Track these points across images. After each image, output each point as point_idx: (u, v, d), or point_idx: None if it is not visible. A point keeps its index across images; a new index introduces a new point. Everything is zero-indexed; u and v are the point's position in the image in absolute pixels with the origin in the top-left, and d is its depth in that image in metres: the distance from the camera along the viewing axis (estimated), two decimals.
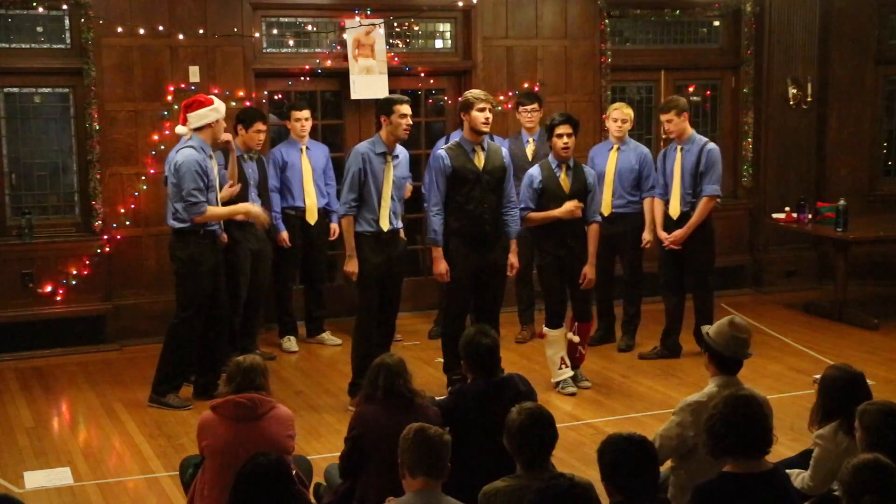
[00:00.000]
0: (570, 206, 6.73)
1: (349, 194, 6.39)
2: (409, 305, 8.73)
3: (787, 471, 4.16)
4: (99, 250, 7.96)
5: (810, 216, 9.07)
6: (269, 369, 4.53)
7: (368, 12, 8.47)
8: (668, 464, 4.42)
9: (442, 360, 6.87)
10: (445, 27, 9.04)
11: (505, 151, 6.79)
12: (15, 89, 7.95)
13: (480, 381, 4.62)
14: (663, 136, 7.64)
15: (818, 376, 4.62)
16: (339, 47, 8.53)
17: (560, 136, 6.77)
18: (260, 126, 7.40)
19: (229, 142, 7.11)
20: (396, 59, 8.65)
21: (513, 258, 6.74)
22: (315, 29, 8.58)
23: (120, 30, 7.88)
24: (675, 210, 7.50)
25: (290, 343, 8.05)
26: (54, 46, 7.94)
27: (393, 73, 8.57)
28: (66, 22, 7.92)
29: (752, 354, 4.53)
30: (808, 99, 9.82)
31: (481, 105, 6.48)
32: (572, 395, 6.81)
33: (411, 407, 4.35)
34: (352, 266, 6.42)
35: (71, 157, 8.10)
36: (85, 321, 7.99)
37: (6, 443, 6.09)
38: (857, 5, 9.91)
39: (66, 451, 5.96)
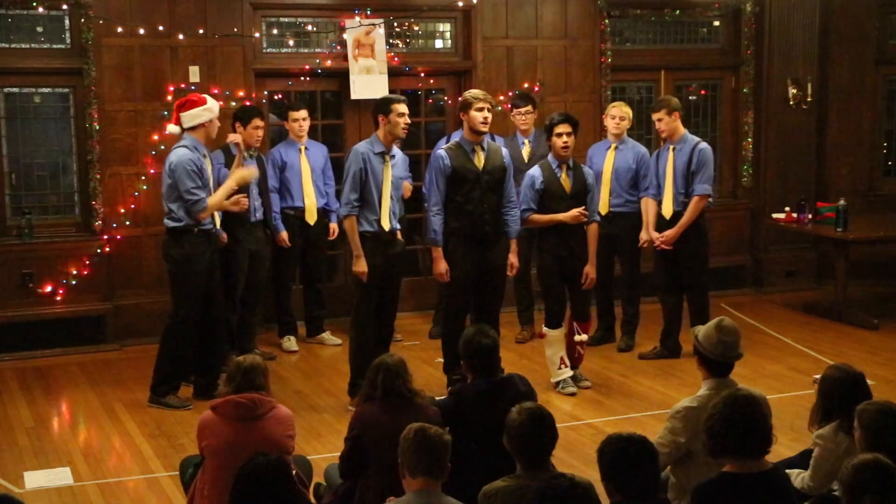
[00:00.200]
0: (575, 212, 6.74)
1: (351, 194, 6.38)
2: (409, 305, 8.73)
3: (787, 471, 4.16)
4: (99, 250, 7.96)
5: (810, 216, 9.07)
6: (269, 369, 4.53)
7: (368, 12, 8.47)
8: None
9: (442, 360, 6.87)
10: (445, 27, 9.04)
11: (505, 151, 6.79)
12: (15, 89, 7.95)
13: (480, 381, 4.62)
14: (663, 137, 7.64)
15: (818, 376, 4.61)
16: (339, 47, 8.53)
17: (560, 135, 6.77)
18: (258, 122, 7.40)
19: (238, 143, 7.10)
20: (396, 59, 8.65)
21: (513, 258, 6.74)
22: (315, 29, 8.58)
23: (120, 30, 7.88)
24: (667, 210, 7.51)
25: (290, 343, 8.05)
26: (54, 46, 7.94)
27: (393, 73, 8.57)
28: (66, 22, 7.92)
29: (743, 355, 4.52)
30: (808, 99, 9.81)
31: (480, 105, 6.48)
32: (572, 395, 6.81)
33: (411, 407, 4.35)
34: (360, 266, 6.39)
35: (71, 157, 8.10)
36: (85, 321, 7.99)
37: (6, 443, 6.09)
38: (857, 5, 9.92)
39: (66, 451, 5.96)
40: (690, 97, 9.85)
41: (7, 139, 7.93)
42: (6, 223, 7.92)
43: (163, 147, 7.82)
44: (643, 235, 7.65)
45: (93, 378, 7.36)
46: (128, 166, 8.02)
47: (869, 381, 4.55)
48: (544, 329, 6.95)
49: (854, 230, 8.61)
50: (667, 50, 9.75)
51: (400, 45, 8.80)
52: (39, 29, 7.92)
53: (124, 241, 8.02)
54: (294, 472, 4.02)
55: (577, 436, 6.04)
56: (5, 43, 7.82)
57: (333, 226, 8.03)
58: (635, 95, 9.67)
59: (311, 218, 7.98)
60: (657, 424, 4.83)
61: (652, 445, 3.58)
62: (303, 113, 7.94)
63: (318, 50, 8.57)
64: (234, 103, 8.03)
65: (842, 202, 8.60)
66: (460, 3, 8.73)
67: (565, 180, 6.84)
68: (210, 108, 6.63)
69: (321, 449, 5.84)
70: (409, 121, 6.50)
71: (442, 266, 6.56)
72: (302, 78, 8.51)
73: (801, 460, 4.50)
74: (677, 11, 9.59)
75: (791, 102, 9.81)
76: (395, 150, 6.63)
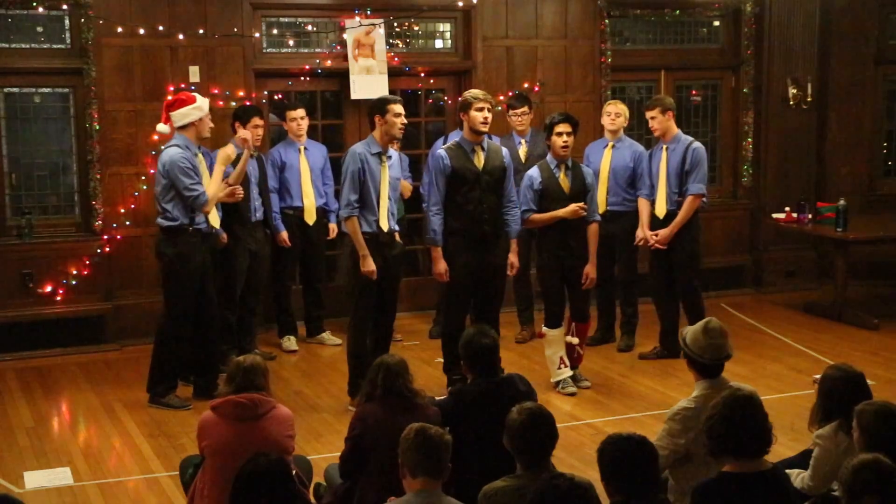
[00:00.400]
0: (574, 206, 6.74)
1: (351, 195, 6.37)
2: (409, 305, 8.73)
3: (787, 471, 4.16)
4: (99, 250, 7.96)
5: (810, 216, 9.07)
6: (269, 369, 4.53)
7: (368, 12, 8.47)
8: None
9: (442, 360, 6.87)
10: (445, 27, 9.04)
11: (505, 151, 6.79)
12: (15, 89, 7.95)
13: (480, 381, 4.62)
14: (656, 136, 7.64)
15: (818, 376, 4.61)
16: (339, 47, 8.53)
17: (560, 134, 6.77)
18: (257, 121, 7.40)
19: (246, 140, 7.08)
20: (396, 59, 8.65)
21: (513, 258, 6.74)
22: (315, 29, 8.58)
23: (120, 30, 7.88)
24: (661, 210, 7.51)
25: (290, 343, 8.06)
26: (54, 46, 7.95)
27: (393, 73, 8.57)
28: (66, 22, 7.92)
29: (732, 355, 4.51)
30: (808, 99, 9.81)
31: (480, 105, 6.48)
32: (572, 394, 6.81)
33: (411, 407, 4.35)
34: (368, 265, 6.36)
35: (71, 157, 8.11)
36: (85, 321, 7.99)
37: (6, 443, 6.09)
38: (857, 5, 9.92)
39: (66, 451, 5.96)
40: (692, 98, 9.85)
41: (7, 139, 7.93)
42: (6, 223, 7.92)
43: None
44: (639, 234, 7.64)
45: (93, 378, 7.36)
46: (128, 166, 8.03)
47: (869, 381, 4.55)
48: (544, 329, 6.95)
49: (854, 230, 8.61)
50: (667, 50, 9.75)
51: (400, 45, 8.80)
52: (39, 29, 7.92)
53: (124, 241, 8.02)
54: (294, 472, 4.02)
55: (577, 436, 6.04)
56: (5, 43, 7.82)
57: (333, 226, 8.03)
58: (635, 95, 9.67)
59: (310, 218, 7.98)
60: (657, 424, 4.83)
61: (652, 445, 3.58)
62: (300, 112, 7.95)
63: (318, 50, 8.57)
64: (234, 103, 8.03)
65: (842, 202, 8.60)
66: (460, 3, 8.73)
67: (564, 180, 6.84)
68: (200, 107, 6.62)
69: (321, 449, 5.84)
70: (405, 121, 6.50)
71: (441, 266, 6.56)
72: (302, 78, 8.51)
73: (801, 460, 4.50)
74: (677, 11, 9.59)
75: (791, 102, 9.81)
76: (392, 150, 6.62)
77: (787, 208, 9.22)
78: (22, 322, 7.81)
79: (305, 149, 7.99)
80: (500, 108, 8.44)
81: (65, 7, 7.80)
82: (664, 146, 7.50)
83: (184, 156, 6.48)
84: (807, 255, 10.08)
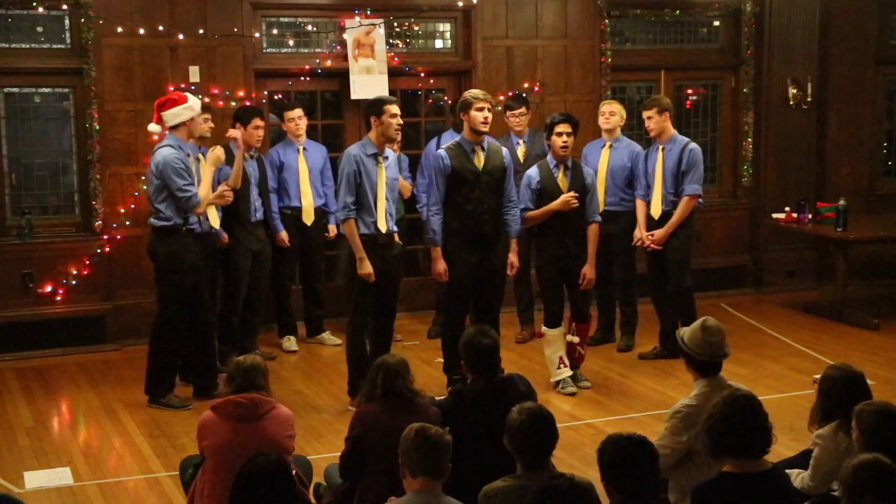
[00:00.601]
0: (565, 197, 6.73)
1: (347, 197, 6.36)
2: (409, 305, 8.73)
3: (787, 471, 4.16)
4: (99, 250, 7.96)
5: (810, 216, 9.07)
6: (269, 369, 4.53)
7: (368, 12, 8.47)
8: None
9: (442, 360, 6.87)
10: (445, 27, 9.04)
11: (505, 151, 6.79)
12: (15, 89, 7.95)
13: (480, 381, 4.62)
14: (652, 136, 7.64)
15: (818, 376, 4.61)
16: (339, 47, 8.53)
17: (560, 134, 6.77)
18: (258, 122, 7.40)
19: (236, 139, 7.10)
20: (396, 59, 8.65)
21: (512, 258, 6.74)
22: (315, 29, 8.58)
23: (120, 30, 7.88)
24: (656, 210, 7.50)
25: (290, 343, 8.06)
26: (54, 46, 7.95)
27: (393, 73, 8.57)
28: (66, 22, 7.92)
29: (729, 354, 4.52)
30: (808, 99, 9.82)
31: (480, 104, 6.48)
32: (572, 394, 6.81)
33: (411, 407, 4.35)
34: (365, 268, 6.35)
35: (71, 157, 8.10)
36: (85, 321, 7.98)
37: (6, 443, 6.09)
38: (857, 5, 9.92)
39: (66, 451, 5.96)
40: (692, 97, 9.86)
41: (7, 139, 7.93)
42: (6, 223, 7.92)
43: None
44: (636, 234, 7.64)
45: (93, 378, 7.36)
46: (128, 166, 8.02)
47: (869, 381, 4.55)
48: (543, 328, 6.95)
49: (854, 230, 8.61)
50: (667, 50, 9.75)
51: (400, 45, 8.80)
52: (39, 29, 7.92)
53: (124, 241, 8.02)
54: (294, 472, 4.02)
55: (577, 436, 6.04)
56: (5, 43, 7.82)
57: (332, 226, 8.03)
58: (635, 95, 9.67)
59: (308, 218, 7.98)
60: (657, 424, 4.83)
61: (652, 446, 3.58)
62: (298, 112, 7.95)
63: (318, 50, 8.57)
64: (234, 103, 8.03)
65: (842, 202, 8.60)
66: (460, 3, 8.73)
67: (562, 180, 6.84)
68: (191, 107, 6.61)
69: (321, 449, 5.83)
70: (401, 122, 6.50)
71: (441, 266, 6.55)
72: (302, 78, 8.51)
73: (801, 460, 4.50)
74: (677, 11, 9.59)
75: (791, 102, 9.81)
76: (389, 150, 6.61)
77: (787, 208, 9.22)
78: (22, 322, 7.81)
79: (304, 149, 7.99)
80: (500, 108, 8.45)
81: (65, 7, 7.80)
82: (660, 146, 7.50)
83: (177, 156, 6.47)
84: (807, 255, 10.08)
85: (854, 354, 7.51)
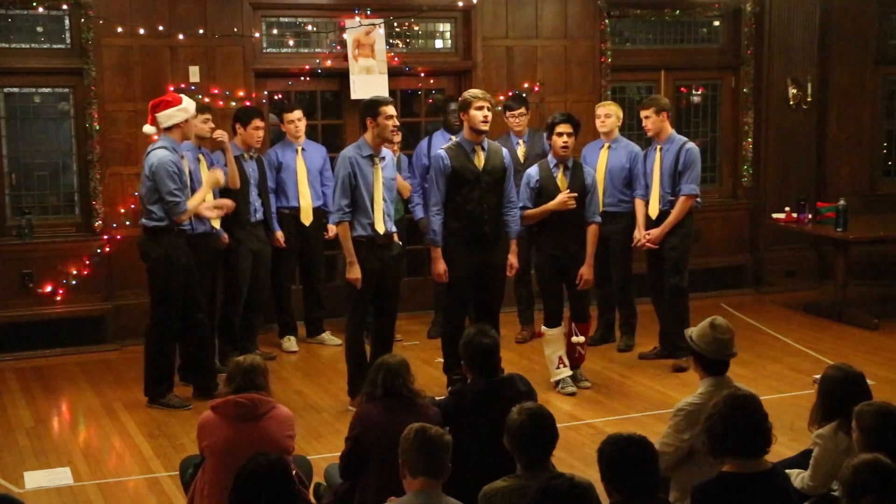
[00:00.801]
0: (562, 196, 6.73)
1: (342, 200, 6.34)
2: (409, 305, 8.72)
3: (787, 471, 4.16)
4: (99, 250, 7.96)
5: (810, 216, 9.07)
6: (269, 369, 4.54)
7: (368, 12, 8.47)
8: None
9: (442, 360, 6.87)
10: (445, 27, 9.04)
11: (505, 151, 6.79)
12: (15, 89, 7.95)
13: (480, 381, 4.62)
14: (649, 136, 7.63)
15: (818, 376, 4.61)
16: (339, 47, 8.53)
17: (560, 134, 6.77)
18: (258, 123, 7.40)
19: (224, 141, 7.11)
20: (396, 59, 8.65)
21: (512, 258, 6.74)
22: (315, 29, 8.58)
23: (120, 30, 7.88)
24: (654, 210, 7.49)
25: (290, 343, 8.06)
26: (54, 46, 7.95)
27: (393, 73, 8.57)
28: (66, 22, 7.92)
29: (737, 354, 4.53)
30: (808, 99, 9.82)
31: (479, 104, 6.47)
32: (572, 394, 6.81)
33: (411, 407, 4.35)
34: (354, 273, 6.34)
35: (71, 157, 8.11)
36: (85, 321, 7.99)
37: (6, 443, 6.09)
38: (857, 5, 9.92)
39: (66, 451, 5.96)
40: (694, 95, 9.85)
41: (7, 139, 7.93)
42: (6, 223, 7.92)
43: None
44: (636, 234, 7.64)
45: (93, 378, 7.36)
46: (128, 166, 8.02)
47: (869, 381, 4.55)
48: (543, 328, 6.95)
49: (854, 230, 8.60)
50: (667, 50, 9.75)
51: (400, 45, 8.80)
52: (39, 29, 7.92)
53: (124, 241, 8.01)
54: (294, 472, 4.02)
55: (577, 436, 6.04)
56: (5, 43, 7.82)
57: (331, 226, 8.02)
58: (635, 95, 9.66)
59: (307, 219, 7.98)
60: (657, 424, 4.83)
61: (652, 446, 3.57)
62: (297, 113, 7.94)
63: (318, 50, 8.57)
64: (234, 103, 8.04)
65: (842, 202, 8.60)
66: (460, 3, 8.73)
67: (562, 180, 6.84)
68: (185, 108, 6.58)
69: (321, 449, 5.83)
70: (397, 123, 6.49)
71: (440, 266, 6.55)
72: (302, 78, 8.51)
73: (801, 460, 4.50)
74: (677, 11, 9.59)
75: (791, 102, 9.81)
76: (385, 151, 6.60)
77: (787, 208, 9.21)
78: (22, 322, 7.81)
79: (303, 149, 7.98)
80: (499, 107, 8.46)
81: (65, 7, 7.80)
82: (658, 146, 7.49)
83: (171, 159, 6.45)
84: (807, 255, 10.08)
85: (854, 354, 7.51)
